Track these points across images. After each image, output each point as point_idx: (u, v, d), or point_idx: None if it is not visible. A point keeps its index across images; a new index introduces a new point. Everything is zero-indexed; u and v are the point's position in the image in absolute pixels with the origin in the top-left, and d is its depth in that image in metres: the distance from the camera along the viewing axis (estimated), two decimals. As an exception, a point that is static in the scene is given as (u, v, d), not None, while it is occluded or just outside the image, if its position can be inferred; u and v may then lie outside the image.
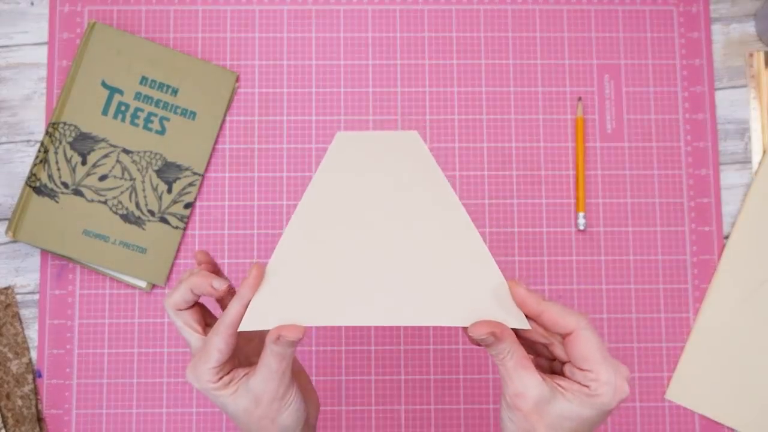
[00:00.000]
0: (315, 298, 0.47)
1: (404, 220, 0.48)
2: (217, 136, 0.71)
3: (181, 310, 0.48)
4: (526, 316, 0.45)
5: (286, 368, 0.45)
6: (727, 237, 0.71)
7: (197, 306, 0.50)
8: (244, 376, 0.47)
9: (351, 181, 0.49)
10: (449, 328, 0.69)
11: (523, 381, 0.44)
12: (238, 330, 0.46)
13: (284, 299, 0.47)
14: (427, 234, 0.48)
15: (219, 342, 0.46)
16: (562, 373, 0.46)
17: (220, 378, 0.47)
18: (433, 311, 0.46)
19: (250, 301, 0.46)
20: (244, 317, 0.46)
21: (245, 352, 0.51)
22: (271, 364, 0.45)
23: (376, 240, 0.48)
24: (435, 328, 0.69)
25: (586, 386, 0.44)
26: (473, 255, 0.47)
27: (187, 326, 0.48)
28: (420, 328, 0.69)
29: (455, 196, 0.49)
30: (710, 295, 0.69)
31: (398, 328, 0.69)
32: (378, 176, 0.49)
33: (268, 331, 0.45)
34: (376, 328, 0.69)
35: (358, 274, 0.47)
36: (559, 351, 0.47)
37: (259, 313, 0.46)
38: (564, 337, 0.45)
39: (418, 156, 0.49)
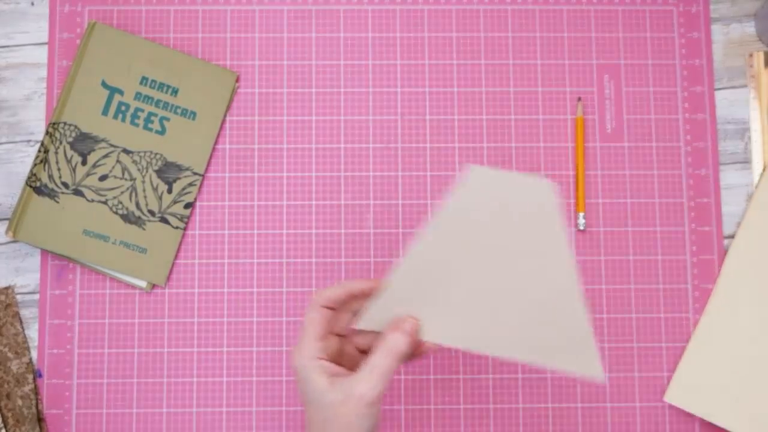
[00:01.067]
0: (427, 314, 0.52)
1: (518, 263, 0.52)
2: (217, 136, 0.71)
3: (326, 307, 0.51)
4: None
5: (388, 371, 0.48)
6: (726, 237, 0.71)
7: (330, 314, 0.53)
8: (344, 375, 0.49)
9: (477, 215, 0.51)
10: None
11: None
12: (356, 327, 0.52)
13: (399, 309, 0.52)
14: (536, 282, 0.52)
15: (311, 311, 0.50)
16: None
17: (320, 359, 0.49)
18: (530, 351, 0.52)
19: (348, 288, 0.52)
20: (361, 317, 0.52)
21: (346, 357, 0.54)
22: (377, 363, 0.48)
23: (489, 275, 0.52)
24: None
25: None
26: (571, 311, 0.51)
27: (317, 324, 0.50)
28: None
29: (570, 255, 0.51)
30: (713, 300, 0.69)
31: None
32: (503, 217, 0.51)
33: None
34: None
35: (468, 302, 0.52)
36: None
37: (376, 316, 0.52)
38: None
39: (546, 207, 0.50)
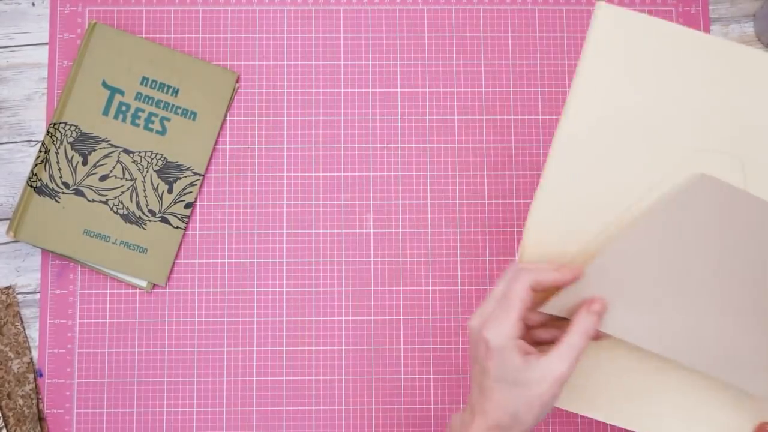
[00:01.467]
0: (615, 308, 0.51)
1: (731, 281, 0.50)
2: (218, 136, 0.71)
3: (535, 290, 0.50)
4: None
5: (581, 351, 0.49)
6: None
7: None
8: (534, 354, 0.49)
9: (698, 223, 0.49)
10: (448, 328, 0.70)
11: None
12: (542, 310, 0.52)
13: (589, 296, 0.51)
14: (745, 304, 0.50)
15: (522, 291, 0.49)
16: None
17: (518, 338, 0.49)
18: (715, 366, 0.51)
19: (559, 277, 0.50)
20: (550, 302, 0.51)
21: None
22: (573, 343, 0.48)
23: (695, 284, 0.50)
24: (435, 327, 0.70)
25: None
26: (755, 332, 0.50)
27: (525, 304, 0.49)
28: (420, 327, 0.70)
29: None
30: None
31: (398, 327, 0.69)
32: (727, 231, 0.48)
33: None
34: (376, 327, 0.69)
35: (664, 306, 0.51)
36: None
37: (565, 302, 0.51)
38: None
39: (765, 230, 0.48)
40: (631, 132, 0.51)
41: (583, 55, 0.51)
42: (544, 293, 0.52)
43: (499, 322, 0.49)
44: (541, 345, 0.52)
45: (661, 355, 0.52)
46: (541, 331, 0.54)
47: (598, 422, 0.69)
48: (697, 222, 0.49)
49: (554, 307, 0.52)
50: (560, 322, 0.52)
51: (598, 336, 0.53)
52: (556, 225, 0.52)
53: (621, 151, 0.51)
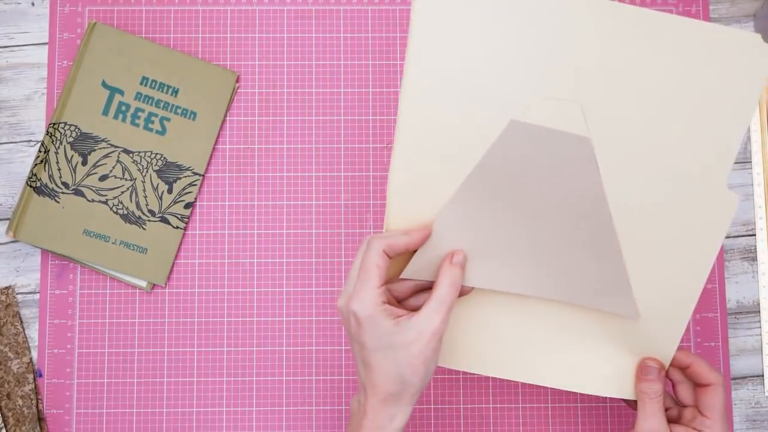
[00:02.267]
0: (479, 261, 0.54)
1: (558, 210, 0.52)
2: (218, 136, 0.71)
3: (390, 256, 0.51)
4: (678, 366, 0.56)
5: (452, 304, 0.51)
6: (726, 237, 0.71)
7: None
8: (405, 316, 0.50)
9: (517, 166, 0.51)
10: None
11: (658, 421, 0.54)
12: (402, 276, 0.54)
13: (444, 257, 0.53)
14: (575, 228, 0.53)
15: (376, 258, 0.50)
16: (676, 420, 0.57)
17: (384, 303, 0.50)
18: (569, 293, 0.55)
19: (409, 240, 0.52)
20: (408, 267, 0.53)
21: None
22: (443, 298, 0.50)
23: (529, 222, 0.53)
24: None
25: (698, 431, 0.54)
26: (608, 255, 0.53)
27: (382, 270, 0.51)
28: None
29: (606, 201, 0.52)
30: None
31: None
32: (542, 167, 0.51)
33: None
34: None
35: (509, 248, 0.54)
36: (683, 393, 0.57)
37: (421, 265, 0.53)
38: (698, 386, 0.56)
39: (582, 158, 0.51)
40: (474, 88, 0.51)
41: (413, 16, 0.51)
42: (404, 262, 0.53)
43: (362, 293, 0.50)
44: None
45: (526, 294, 0.55)
46: (412, 300, 0.55)
47: (598, 421, 0.69)
48: (521, 165, 0.51)
49: (414, 271, 0.54)
50: (430, 288, 0.53)
51: (463, 291, 0.54)
52: (415, 190, 0.53)
53: (466, 108, 0.51)
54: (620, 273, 0.53)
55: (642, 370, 0.56)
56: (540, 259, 0.54)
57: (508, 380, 0.68)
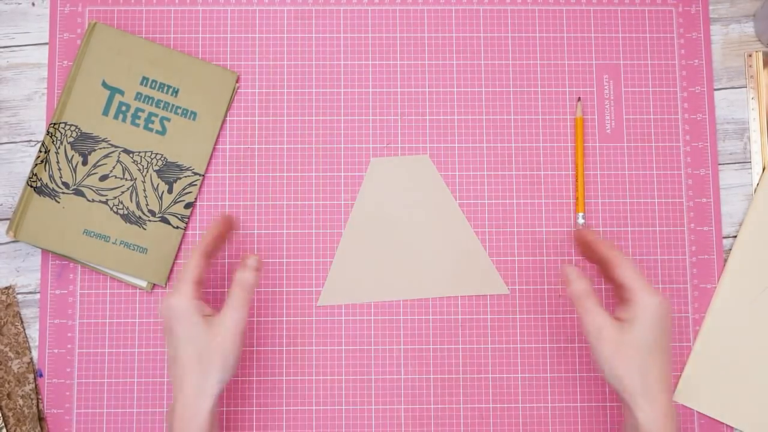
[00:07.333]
0: (368, 281, 0.69)
1: (423, 224, 0.70)
2: (218, 136, 0.71)
3: (209, 256, 0.61)
4: (594, 258, 0.64)
5: (247, 300, 0.59)
6: (726, 237, 0.71)
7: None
8: (211, 315, 0.59)
9: (382, 197, 0.70)
10: (448, 328, 0.70)
11: (602, 316, 0.58)
12: (318, 304, 0.69)
13: (346, 283, 0.69)
14: (438, 237, 0.69)
15: (196, 258, 0.60)
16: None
17: (197, 300, 0.58)
18: (438, 287, 0.70)
19: (213, 234, 0.62)
20: (321, 296, 0.69)
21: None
22: (238, 296, 0.59)
23: (403, 240, 0.70)
24: (435, 327, 0.70)
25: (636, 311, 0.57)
26: (470, 248, 0.70)
27: (200, 269, 0.60)
28: (420, 327, 0.70)
29: (456, 205, 0.70)
30: (716, 298, 0.70)
31: (398, 326, 0.70)
32: (401, 192, 0.70)
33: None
34: (377, 326, 0.70)
35: (394, 265, 0.69)
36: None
37: (332, 293, 0.69)
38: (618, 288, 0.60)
39: (429, 175, 0.71)
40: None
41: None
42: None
43: (178, 288, 0.58)
44: None
45: (420, 297, 0.69)
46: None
47: (599, 422, 0.69)
48: (383, 195, 0.70)
49: (329, 299, 0.69)
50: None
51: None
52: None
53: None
54: (482, 260, 0.69)
55: (565, 277, 0.62)
56: (421, 265, 0.69)
57: (505, 378, 0.69)
